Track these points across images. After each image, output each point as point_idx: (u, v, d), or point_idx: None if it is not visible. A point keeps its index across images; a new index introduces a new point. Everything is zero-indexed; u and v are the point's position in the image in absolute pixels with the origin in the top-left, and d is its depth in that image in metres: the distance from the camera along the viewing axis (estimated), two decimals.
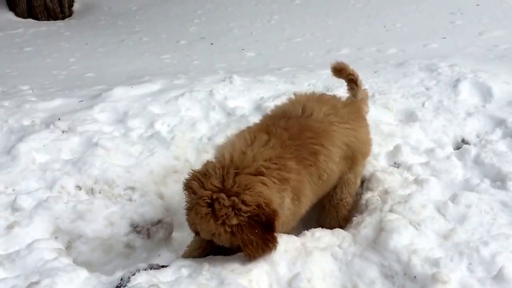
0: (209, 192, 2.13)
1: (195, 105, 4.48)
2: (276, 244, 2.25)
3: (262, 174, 2.23)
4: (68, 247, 2.64)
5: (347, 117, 2.93)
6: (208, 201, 2.12)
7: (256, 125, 2.78)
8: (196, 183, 2.19)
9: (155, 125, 4.06)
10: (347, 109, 3.04)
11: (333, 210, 3.07)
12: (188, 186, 2.24)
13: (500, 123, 3.73)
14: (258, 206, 2.12)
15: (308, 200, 2.58)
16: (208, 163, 2.29)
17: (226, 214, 2.10)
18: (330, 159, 2.65)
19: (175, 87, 4.98)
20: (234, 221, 2.09)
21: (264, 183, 2.20)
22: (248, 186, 2.15)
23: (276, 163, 2.30)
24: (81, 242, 2.68)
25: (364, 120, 3.19)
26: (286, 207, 2.35)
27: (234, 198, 2.10)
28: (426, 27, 7.77)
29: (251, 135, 2.45)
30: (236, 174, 2.18)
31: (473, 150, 3.42)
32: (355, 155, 2.91)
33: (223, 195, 2.11)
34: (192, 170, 2.30)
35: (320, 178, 2.61)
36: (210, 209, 2.12)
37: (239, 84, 4.97)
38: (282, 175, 2.29)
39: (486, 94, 4.06)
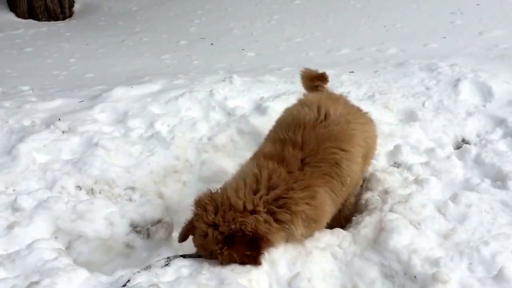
0: (205, 225, 2.30)
1: (195, 105, 4.48)
2: None
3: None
4: (68, 247, 2.64)
5: (358, 113, 2.94)
6: (202, 234, 2.31)
7: (267, 143, 2.74)
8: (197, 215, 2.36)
9: (155, 125, 4.06)
10: (353, 106, 3.05)
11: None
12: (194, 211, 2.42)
13: (500, 122, 3.73)
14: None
15: (329, 213, 2.57)
16: (211, 197, 2.39)
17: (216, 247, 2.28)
18: (352, 162, 2.61)
19: (175, 87, 4.98)
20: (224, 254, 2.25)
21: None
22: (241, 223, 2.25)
23: (280, 202, 2.33)
24: (81, 242, 2.68)
25: (370, 119, 3.12)
26: (298, 234, 2.40)
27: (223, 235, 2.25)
28: (426, 27, 7.76)
29: (259, 169, 2.43)
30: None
31: (473, 150, 3.42)
32: (368, 153, 2.89)
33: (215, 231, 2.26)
34: (199, 197, 2.42)
35: (343, 185, 2.57)
36: (204, 239, 2.32)
37: (239, 84, 4.97)
38: (284, 216, 2.33)
39: (487, 93, 4.06)
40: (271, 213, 2.31)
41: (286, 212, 2.32)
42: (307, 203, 2.37)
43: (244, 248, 2.25)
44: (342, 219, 3.02)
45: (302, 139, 2.57)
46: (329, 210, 2.54)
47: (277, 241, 2.37)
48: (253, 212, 2.28)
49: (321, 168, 2.48)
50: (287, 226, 2.34)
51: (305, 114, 2.74)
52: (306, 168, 2.46)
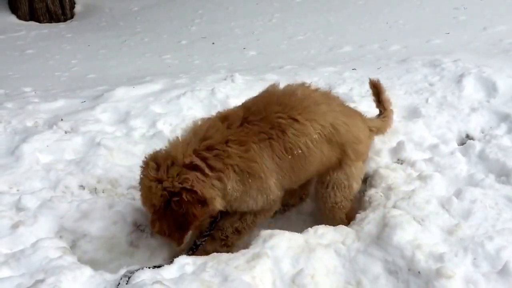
0: (147, 179, 2.47)
1: (197, 104, 4.47)
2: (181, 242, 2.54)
3: (196, 167, 2.44)
4: (73, 246, 2.65)
5: (342, 108, 2.91)
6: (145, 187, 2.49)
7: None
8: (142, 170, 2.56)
9: (157, 125, 4.06)
10: (346, 106, 3.02)
11: (329, 213, 3.04)
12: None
13: (505, 118, 3.71)
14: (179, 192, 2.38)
15: (274, 173, 2.61)
16: (154, 153, 2.59)
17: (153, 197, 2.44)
18: (304, 135, 2.62)
19: (176, 86, 4.98)
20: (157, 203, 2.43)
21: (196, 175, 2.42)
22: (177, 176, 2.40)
23: (213, 152, 2.47)
24: (86, 241, 2.68)
25: (362, 122, 3.08)
26: (232, 190, 2.52)
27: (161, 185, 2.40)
28: (429, 23, 7.73)
29: (200, 125, 2.65)
30: (172, 165, 2.43)
31: (477, 146, 3.41)
32: (344, 147, 2.82)
33: (155, 184, 2.42)
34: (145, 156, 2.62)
35: (288, 152, 2.60)
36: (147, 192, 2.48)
37: (241, 83, 4.97)
38: (216, 164, 2.46)
39: (491, 89, 4.03)
40: (203, 158, 2.44)
41: (218, 161, 2.45)
42: (239, 156, 2.49)
43: (175, 223, 2.42)
44: (339, 222, 2.96)
45: (252, 102, 2.73)
46: (268, 167, 2.58)
47: (211, 198, 2.45)
48: (192, 166, 2.41)
49: (259, 126, 2.58)
50: (221, 176, 2.45)
51: (273, 88, 2.84)
52: (245, 124, 2.57)
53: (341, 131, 2.78)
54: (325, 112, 2.74)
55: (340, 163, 2.89)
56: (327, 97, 2.93)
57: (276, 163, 2.60)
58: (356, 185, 3.04)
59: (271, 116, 2.60)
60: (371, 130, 3.21)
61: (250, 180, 2.54)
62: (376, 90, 3.45)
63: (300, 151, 2.63)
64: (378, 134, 3.42)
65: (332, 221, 2.97)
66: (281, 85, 5.01)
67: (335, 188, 2.94)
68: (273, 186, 2.64)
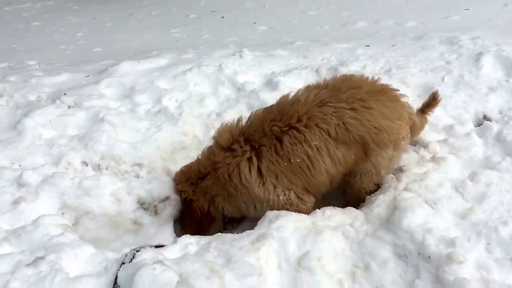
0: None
1: (203, 80, 4.38)
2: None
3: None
4: (75, 223, 2.61)
5: (353, 100, 2.66)
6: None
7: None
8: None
9: (162, 101, 3.97)
10: (366, 90, 2.73)
11: (355, 196, 2.96)
12: None
13: None
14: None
15: (276, 182, 2.64)
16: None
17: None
18: (300, 141, 2.56)
19: (183, 61, 4.88)
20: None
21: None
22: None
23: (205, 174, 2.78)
24: (88, 218, 2.64)
25: (388, 107, 2.75)
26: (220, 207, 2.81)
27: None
28: None
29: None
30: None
31: (494, 127, 3.29)
32: (364, 140, 2.66)
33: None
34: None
35: (285, 161, 2.58)
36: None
37: (249, 59, 4.85)
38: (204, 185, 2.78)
39: (510, 68, 3.90)
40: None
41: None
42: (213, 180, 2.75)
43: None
44: (353, 194, 2.95)
45: (253, 117, 2.78)
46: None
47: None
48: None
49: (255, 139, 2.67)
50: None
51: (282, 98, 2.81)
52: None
53: (351, 129, 2.62)
54: (333, 113, 2.60)
55: (366, 154, 2.75)
56: (337, 91, 2.72)
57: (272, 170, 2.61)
58: (385, 171, 2.91)
59: (267, 128, 2.64)
60: (411, 116, 2.98)
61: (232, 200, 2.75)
62: (432, 103, 3.25)
63: (299, 160, 2.59)
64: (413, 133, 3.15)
65: (357, 202, 2.92)
66: (291, 61, 4.90)
67: (362, 176, 2.85)
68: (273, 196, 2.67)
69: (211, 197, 2.76)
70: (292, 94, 2.81)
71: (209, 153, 2.79)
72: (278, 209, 2.64)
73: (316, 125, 2.57)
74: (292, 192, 2.68)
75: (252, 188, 2.63)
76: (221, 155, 2.66)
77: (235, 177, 2.61)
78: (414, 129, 3.11)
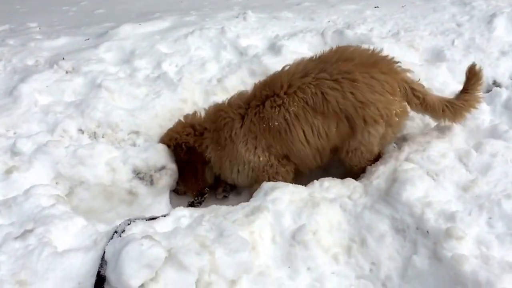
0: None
1: (205, 43, 4.25)
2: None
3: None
4: (70, 193, 2.57)
5: (341, 70, 2.58)
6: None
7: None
8: None
9: (162, 66, 3.87)
10: (357, 63, 2.61)
11: (348, 171, 2.90)
12: None
13: None
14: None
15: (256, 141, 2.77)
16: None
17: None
18: (278, 105, 2.65)
19: (185, 24, 4.73)
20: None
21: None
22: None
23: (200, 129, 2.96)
24: (83, 188, 2.60)
25: (383, 76, 2.61)
26: (209, 151, 2.95)
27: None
28: None
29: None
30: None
31: (504, 94, 3.15)
32: (349, 117, 2.58)
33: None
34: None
35: (265, 122, 2.70)
36: None
37: (253, 21, 4.67)
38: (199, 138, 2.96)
39: None
40: None
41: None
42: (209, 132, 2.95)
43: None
44: (347, 169, 2.91)
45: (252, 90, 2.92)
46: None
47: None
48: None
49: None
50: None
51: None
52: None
53: (330, 100, 2.56)
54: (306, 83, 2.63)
55: (352, 130, 2.65)
56: (326, 63, 2.67)
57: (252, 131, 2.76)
58: (377, 148, 2.79)
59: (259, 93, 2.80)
60: (414, 92, 2.74)
61: (219, 148, 2.90)
62: (474, 78, 2.87)
63: (276, 123, 2.69)
64: (432, 114, 2.84)
65: (354, 176, 2.79)
66: (296, 23, 4.70)
67: (350, 153, 2.76)
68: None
69: (206, 146, 2.94)
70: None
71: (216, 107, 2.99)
72: (259, 173, 2.80)
73: (294, 93, 2.66)
74: (272, 156, 2.79)
75: (237, 144, 2.79)
76: (228, 109, 2.87)
77: (228, 129, 2.81)
78: (427, 107, 2.79)
